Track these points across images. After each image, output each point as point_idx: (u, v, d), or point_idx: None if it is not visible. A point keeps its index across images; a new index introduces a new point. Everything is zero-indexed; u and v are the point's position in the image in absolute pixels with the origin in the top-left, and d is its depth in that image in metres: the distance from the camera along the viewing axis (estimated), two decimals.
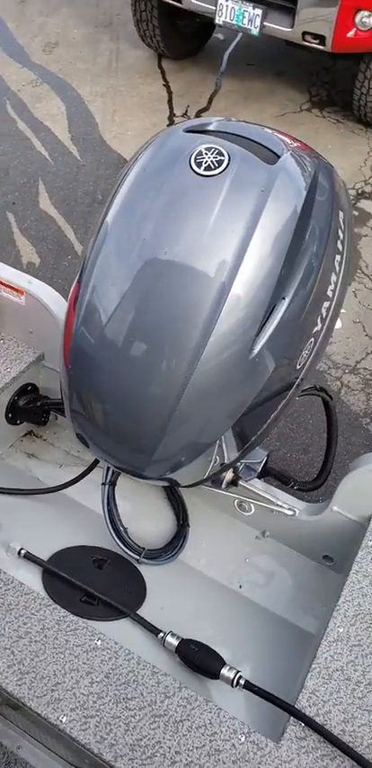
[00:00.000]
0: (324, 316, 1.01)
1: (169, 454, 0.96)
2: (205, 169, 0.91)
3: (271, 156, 0.95)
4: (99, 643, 1.00)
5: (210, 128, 0.98)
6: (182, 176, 0.91)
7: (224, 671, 1.03)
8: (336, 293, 1.03)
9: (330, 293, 1.01)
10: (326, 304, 1.01)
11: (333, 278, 1.01)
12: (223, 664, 1.04)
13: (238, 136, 0.96)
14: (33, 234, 3.21)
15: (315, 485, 1.33)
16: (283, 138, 1.01)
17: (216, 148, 0.92)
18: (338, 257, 1.02)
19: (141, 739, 0.92)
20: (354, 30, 3.41)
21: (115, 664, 0.99)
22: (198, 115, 4.05)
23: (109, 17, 4.95)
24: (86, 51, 4.60)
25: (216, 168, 0.91)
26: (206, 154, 0.92)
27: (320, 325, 1.01)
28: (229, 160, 0.91)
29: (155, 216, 0.91)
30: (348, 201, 1.10)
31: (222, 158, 0.91)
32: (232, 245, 0.88)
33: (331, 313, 1.03)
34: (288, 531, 1.34)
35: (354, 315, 2.92)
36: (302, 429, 2.42)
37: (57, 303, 1.41)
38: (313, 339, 1.00)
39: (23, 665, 0.97)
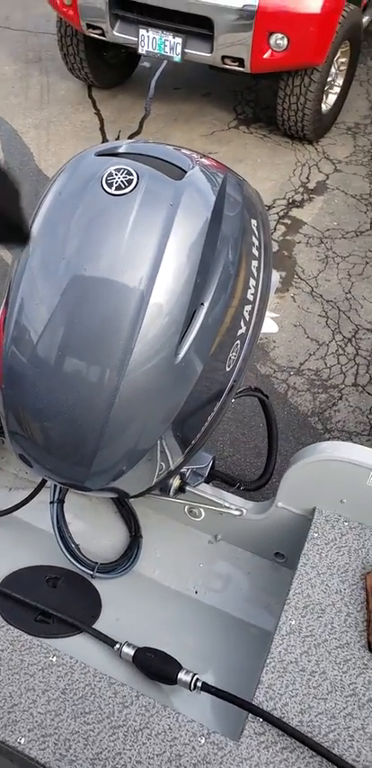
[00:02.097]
0: (248, 319, 1.05)
1: (108, 464, 0.98)
2: (116, 189, 0.95)
3: (178, 172, 1.00)
4: (54, 660, 0.99)
5: (120, 150, 1.03)
6: (96, 197, 0.95)
7: (181, 675, 1.03)
8: (258, 297, 1.08)
9: (250, 297, 1.05)
10: (248, 307, 1.05)
11: (252, 282, 1.06)
12: (180, 668, 1.04)
13: (146, 156, 1.01)
14: None
15: (260, 483, 1.36)
16: (190, 154, 1.06)
17: (125, 169, 0.97)
18: (255, 263, 1.06)
19: (101, 752, 0.91)
20: (270, 51, 3.58)
21: (71, 679, 0.98)
22: (130, 138, 4.15)
23: (37, 53, 5.00)
24: (18, 86, 4.64)
25: (126, 187, 0.95)
26: (116, 174, 0.96)
27: (244, 327, 1.05)
28: (138, 179, 0.96)
29: (75, 236, 0.94)
30: (261, 209, 1.14)
31: (131, 177, 0.96)
32: (147, 258, 0.93)
33: (254, 316, 1.08)
34: (239, 532, 1.35)
35: (294, 319, 3.05)
36: (253, 433, 2.50)
37: None
38: (239, 342, 1.04)
39: None
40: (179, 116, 4.41)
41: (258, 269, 1.08)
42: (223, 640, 1.22)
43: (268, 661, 1.00)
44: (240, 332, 1.04)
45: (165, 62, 4.14)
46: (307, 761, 0.91)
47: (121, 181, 0.96)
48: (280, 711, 0.95)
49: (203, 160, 1.07)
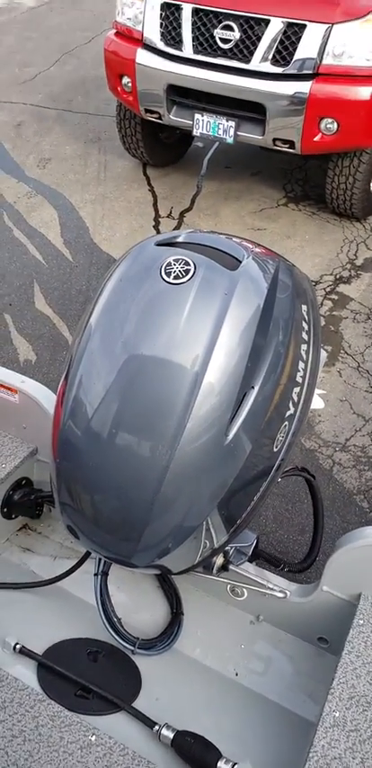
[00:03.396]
0: (296, 400, 1.08)
1: (155, 540, 0.99)
2: (174, 278, 1.01)
3: (234, 262, 1.05)
4: (93, 739, 0.99)
5: (178, 240, 1.09)
6: (155, 285, 1.01)
7: (220, 764, 1.01)
8: (306, 379, 1.10)
9: (299, 379, 1.08)
10: (297, 389, 1.07)
11: (301, 365, 1.08)
12: (219, 756, 1.02)
13: (203, 245, 1.07)
14: (30, 332, 3.35)
15: (304, 565, 1.34)
16: (245, 244, 1.11)
17: (183, 259, 1.02)
18: (304, 346, 1.10)
19: None
20: (320, 134, 3.72)
21: (110, 760, 0.97)
22: (181, 215, 4.33)
23: (97, 134, 5.37)
24: (77, 164, 4.97)
25: (183, 277, 1.00)
26: (174, 264, 1.02)
27: (292, 408, 1.07)
28: (195, 269, 1.01)
29: (134, 319, 1.00)
30: (311, 294, 1.18)
31: (188, 267, 1.01)
32: (202, 341, 0.97)
33: (302, 397, 1.10)
34: (282, 614, 1.33)
35: (340, 394, 3.02)
36: (297, 510, 2.44)
37: (48, 399, 1.49)
38: (287, 422, 1.06)
39: (17, 766, 0.96)
40: (229, 194, 4.59)
41: (307, 352, 1.11)
42: (263, 727, 1.19)
43: (310, 755, 0.97)
44: (288, 413, 1.06)
45: (217, 143, 4.36)
46: None
47: (179, 271, 1.01)
48: None
49: (256, 249, 1.11)
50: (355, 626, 1.14)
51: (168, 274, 1.01)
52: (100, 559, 1.27)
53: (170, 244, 1.08)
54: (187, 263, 1.02)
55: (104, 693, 1.15)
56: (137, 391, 0.96)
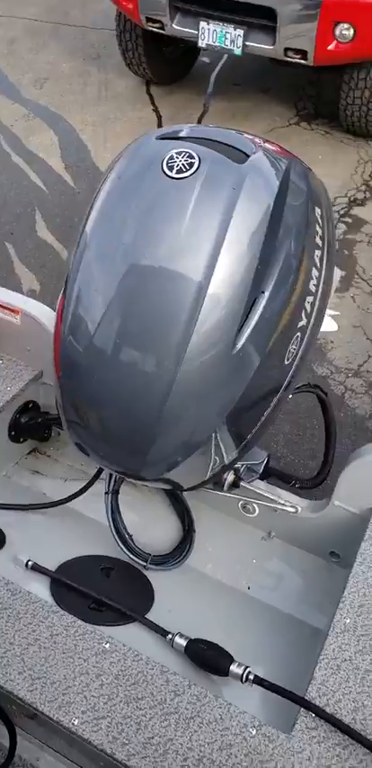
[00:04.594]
0: (309, 311, 1.02)
1: (163, 453, 0.98)
2: (177, 172, 0.94)
3: (241, 156, 0.98)
4: (107, 646, 1.01)
5: (181, 134, 1.02)
6: (156, 181, 0.95)
7: (233, 667, 1.03)
8: (320, 288, 1.05)
9: (312, 287, 1.02)
10: (310, 299, 1.02)
11: (315, 273, 1.03)
12: (232, 660, 1.04)
13: (208, 139, 1.00)
14: (32, 261, 3.27)
15: (316, 482, 1.32)
16: (253, 138, 1.04)
17: (186, 152, 0.96)
18: (317, 252, 1.03)
19: (153, 737, 0.92)
20: (334, 42, 3.48)
21: (124, 665, 0.99)
22: None
23: (96, 50, 5.08)
24: (75, 83, 4.72)
25: (187, 171, 0.94)
26: (177, 158, 0.95)
27: (305, 320, 1.02)
28: (199, 162, 0.94)
29: (133, 222, 0.94)
30: (326, 199, 1.11)
31: (193, 161, 0.94)
32: (207, 244, 0.91)
33: (316, 308, 1.04)
34: (293, 529, 1.34)
35: (354, 319, 2.95)
36: (308, 435, 2.42)
37: (52, 320, 1.43)
38: (299, 334, 1.01)
39: (34, 671, 0.98)
40: (237, 112, 4.36)
41: (321, 259, 1.05)
42: (275, 636, 1.21)
43: (321, 657, 0.99)
44: (301, 324, 1.01)
45: (225, 56, 4.11)
46: (361, 758, 0.89)
47: (183, 164, 0.94)
48: (333, 708, 0.94)
49: (267, 145, 1.04)
50: (366, 538, 1.14)
51: (170, 168, 0.94)
52: (110, 478, 1.26)
53: (172, 137, 1.01)
54: (191, 156, 0.95)
55: (117, 606, 1.16)
56: (139, 303, 0.92)
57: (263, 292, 0.93)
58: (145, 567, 1.27)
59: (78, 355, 0.96)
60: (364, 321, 2.95)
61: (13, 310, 1.46)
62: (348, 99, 3.83)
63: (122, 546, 1.26)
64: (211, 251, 0.91)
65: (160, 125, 4.29)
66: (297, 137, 4.14)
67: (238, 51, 3.70)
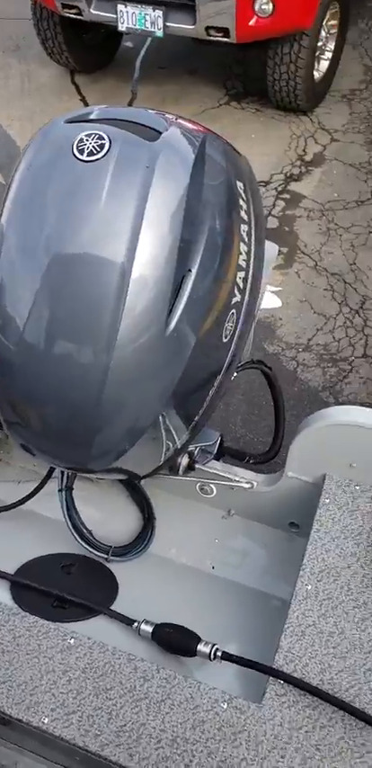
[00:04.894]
0: (242, 286, 1.02)
1: (109, 442, 0.96)
2: (88, 155, 0.92)
3: (153, 134, 0.96)
4: (72, 642, 1.00)
5: (91, 116, 0.99)
6: (68, 166, 0.92)
7: (200, 646, 1.03)
8: (251, 264, 1.04)
9: (242, 263, 1.02)
10: (241, 274, 1.02)
11: (243, 247, 1.02)
12: (199, 640, 1.04)
13: (118, 120, 0.98)
14: None
15: (269, 456, 1.34)
16: (165, 115, 1.03)
17: (96, 134, 0.93)
18: (244, 226, 1.02)
19: (125, 725, 0.91)
20: (255, 18, 3.50)
21: (90, 658, 0.98)
22: None
23: (15, 41, 4.91)
24: None
25: (98, 153, 0.92)
26: (87, 140, 0.93)
27: (239, 296, 1.01)
28: (110, 143, 0.92)
29: (50, 210, 0.92)
30: (249, 173, 1.11)
31: (103, 142, 0.92)
32: (126, 226, 0.90)
33: (249, 284, 1.04)
34: (251, 505, 1.35)
35: (300, 294, 2.99)
36: (264, 412, 2.45)
37: None
38: (234, 310, 1.01)
39: None
40: (166, 96, 4.33)
41: (249, 234, 1.04)
42: (242, 612, 1.22)
43: (286, 626, 1.01)
44: (235, 300, 1.01)
45: (150, 40, 4.06)
46: (330, 716, 0.92)
47: (93, 146, 0.92)
48: (301, 673, 0.96)
49: (180, 121, 1.03)
50: (321, 505, 1.17)
51: (81, 152, 0.92)
52: (62, 474, 1.24)
53: (82, 120, 0.98)
54: (101, 138, 0.93)
55: (81, 601, 1.14)
56: (65, 294, 0.90)
57: (190, 270, 0.92)
58: (106, 559, 1.25)
59: (9, 353, 0.93)
60: (310, 295, 3.00)
61: None
62: (274, 75, 3.86)
63: (81, 541, 1.24)
64: (131, 233, 0.89)
65: None
66: (229, 116, 4.15)
67: (160, 33, 3.66)
